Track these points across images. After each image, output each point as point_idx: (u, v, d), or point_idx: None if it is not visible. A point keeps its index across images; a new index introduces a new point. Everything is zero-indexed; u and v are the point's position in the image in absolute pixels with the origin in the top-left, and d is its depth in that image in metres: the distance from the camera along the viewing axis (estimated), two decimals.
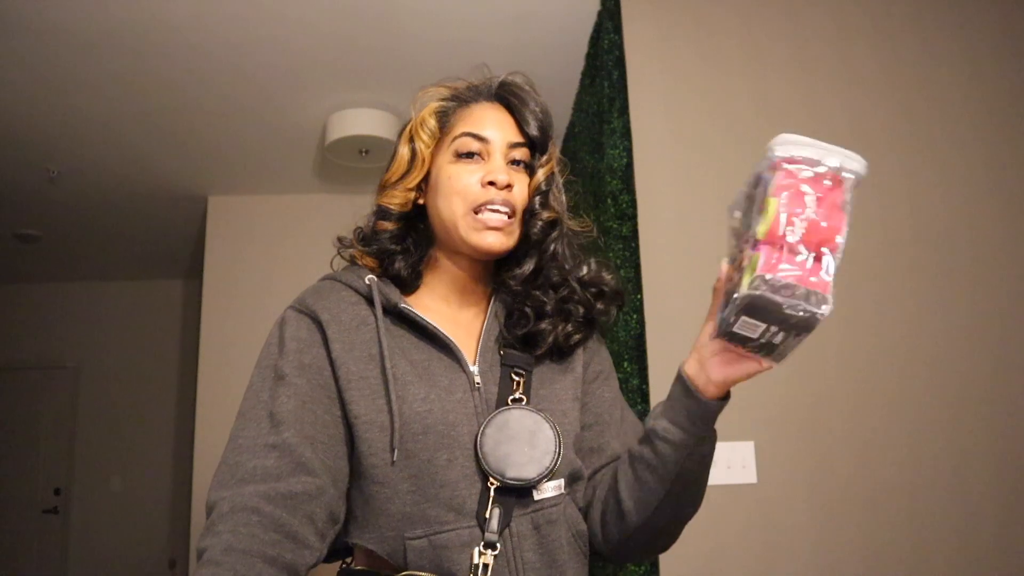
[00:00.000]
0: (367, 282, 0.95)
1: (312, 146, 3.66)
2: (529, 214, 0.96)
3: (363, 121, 3.27)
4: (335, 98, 3.22)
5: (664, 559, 1.92)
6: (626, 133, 2.18)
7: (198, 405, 3.97)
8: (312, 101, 3.24)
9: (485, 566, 0.84)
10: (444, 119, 1.00)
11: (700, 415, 0.85)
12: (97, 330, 5.77)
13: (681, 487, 0.89)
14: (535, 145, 0.99)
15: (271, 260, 4.08)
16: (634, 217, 2.12)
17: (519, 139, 0.98)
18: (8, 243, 4.82)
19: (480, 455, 0.87)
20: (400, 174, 0.99)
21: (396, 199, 0.98)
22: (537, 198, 0.96)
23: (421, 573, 0.85)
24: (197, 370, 4.03)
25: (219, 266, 4.13)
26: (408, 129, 1.01)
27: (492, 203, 0.93)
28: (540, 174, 0.97)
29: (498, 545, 0.85)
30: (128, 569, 5.40)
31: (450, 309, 0.99)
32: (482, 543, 0.85)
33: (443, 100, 1.01)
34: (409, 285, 0.99)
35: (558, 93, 2.91)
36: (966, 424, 2.02)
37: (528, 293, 0.96)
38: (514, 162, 0.97)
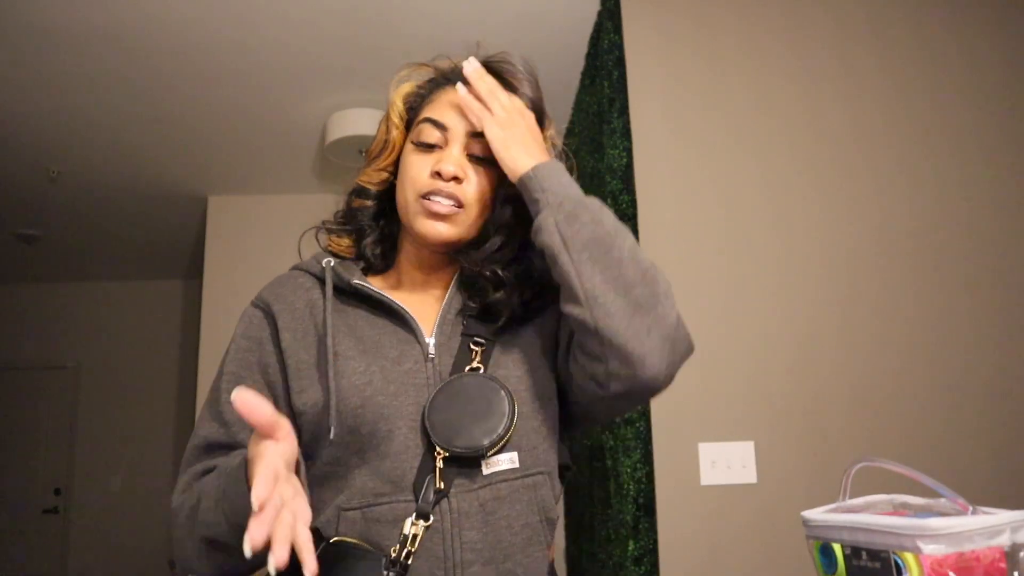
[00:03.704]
0: (323, 265, 0.93)
1: (312, 146, 3.66)
2: (485, 209, 0.92)
3: (363, 121, 3.27)
4: (335, 98, 3.22)
5: (664, 558, 1.91)
6: (626, 133, 2.18)
7: (198, 405, 3.96)
8: (312, 101, 3.24)
9: (414, 536, 0.80)
10: (415, 102, 0.97)
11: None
12: (97, 330, 5.77)
13: (578, 255, 0.84)
14: None
15: (271, 260, 4.03)
16: (634, 217, 2.12)
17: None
18: (8, 243, 4.82)
19: (428, 425, 0.83)
20: (375, 154, 0.98)
21: (372, 178, 0.97)
22: (500, 192, 0.93)
23: (348, 539, 0.81)
24: (197, 370, 4.03)
25: (219, 266, 4.13)
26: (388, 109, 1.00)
27: (436, 193, 0.89)
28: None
29: (431, 516, 0.81)
30: (128, 569, 5.39)
31: (416, 286, 0.97)
32: (415, 513, 0.81)
33: (418, 83, 0.98)
34: (379, 266, 0.98)
35: (558, 93, 2.91)
36: (966, 423, 2.02)
37: (484, 264, 0.92)
38: (475, 157, 0.92)
